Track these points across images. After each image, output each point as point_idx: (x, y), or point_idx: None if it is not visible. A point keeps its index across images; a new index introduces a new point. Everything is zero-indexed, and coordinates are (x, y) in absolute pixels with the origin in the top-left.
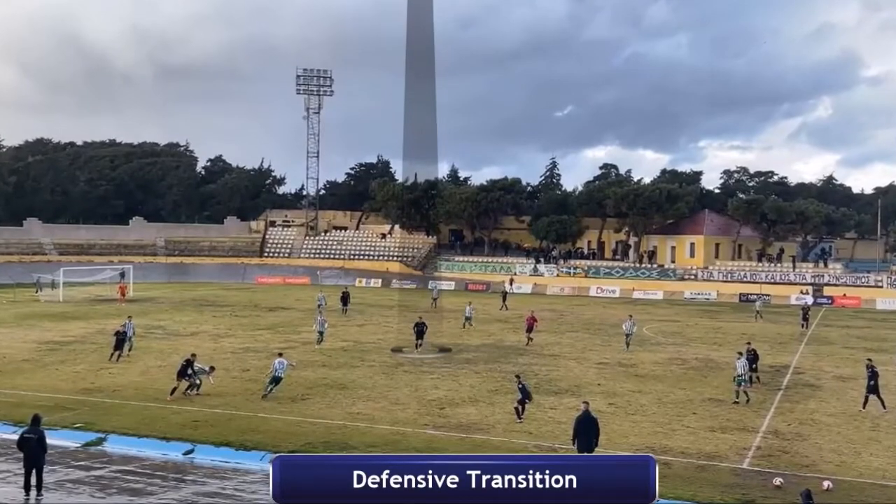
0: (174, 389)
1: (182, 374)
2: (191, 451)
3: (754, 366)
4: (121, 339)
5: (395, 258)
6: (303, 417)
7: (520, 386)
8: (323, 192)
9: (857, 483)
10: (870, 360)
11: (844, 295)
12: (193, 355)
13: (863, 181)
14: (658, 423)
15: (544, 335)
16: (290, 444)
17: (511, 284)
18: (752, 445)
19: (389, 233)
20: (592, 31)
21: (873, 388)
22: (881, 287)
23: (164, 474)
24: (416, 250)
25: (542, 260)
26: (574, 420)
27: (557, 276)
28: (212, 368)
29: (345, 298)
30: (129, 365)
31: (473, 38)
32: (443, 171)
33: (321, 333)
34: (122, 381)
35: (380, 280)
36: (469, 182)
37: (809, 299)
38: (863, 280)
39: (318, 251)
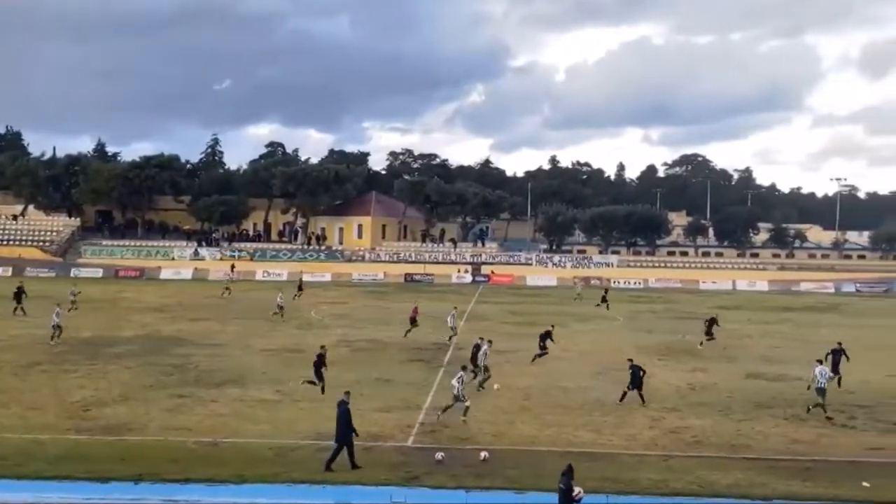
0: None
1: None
2: None
3: (549, 341)
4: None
5: (29, 243)
6: None
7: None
8: None
9: (510, 451)
10: (630, 359)
11: (492, 272)
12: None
13: (514, 165)
14: (326, 408)
15: (207, 323)
16: None
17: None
18: (416, 423)
19: (22, 214)
20: (249, 3)
21: (637, 385)
22: (531, 265)
23: None
24: (55, 234)
25: (203, 243)
26: None
27: (221, 259)
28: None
29: (18, 294)
30: None
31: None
32: (87, 145)
33: (57, 327)
34: None
35: (10, 268)
36: (119, 158)
37: (468, 277)
38: (515, 258)
39: None
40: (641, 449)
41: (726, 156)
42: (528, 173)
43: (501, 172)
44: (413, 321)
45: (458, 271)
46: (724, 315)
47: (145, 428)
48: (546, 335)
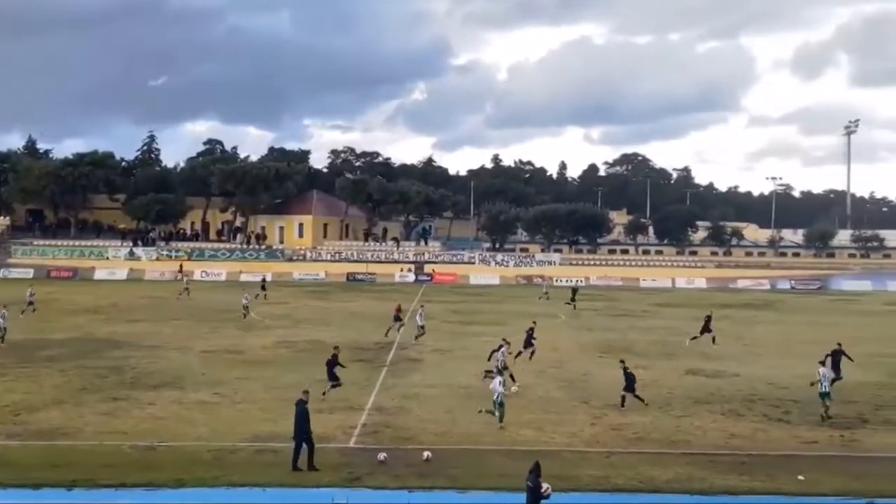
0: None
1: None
2: None
3: (532, 345)
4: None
5: None
6: None
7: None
8: None
9: (454, 450)
10: (622, 360)
11: (434, 271)
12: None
13: (457, 163)
14: (266, 410)
15: (143, 325)
16: None
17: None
18: (358, 423)
19: None
20: None
21: (630, 388)
22: (474, 264)
23: None
24: None
25: (139, 243)
26: None
27: (157, 259)
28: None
29: None
30: None
31: None
32: (17, 141)
33: (2, 330)
34: None
35: None
36: (51, 155)
37: (411, 276)
38: (458, 257)
39: None
40: (583, 446)
41: (666, 155)
42: (470, 172)
43: (444, 171)
44: (397, 318)
45: (401, 270)
46: (663, 312)
47: (79, 432)
48: (529, 332)
